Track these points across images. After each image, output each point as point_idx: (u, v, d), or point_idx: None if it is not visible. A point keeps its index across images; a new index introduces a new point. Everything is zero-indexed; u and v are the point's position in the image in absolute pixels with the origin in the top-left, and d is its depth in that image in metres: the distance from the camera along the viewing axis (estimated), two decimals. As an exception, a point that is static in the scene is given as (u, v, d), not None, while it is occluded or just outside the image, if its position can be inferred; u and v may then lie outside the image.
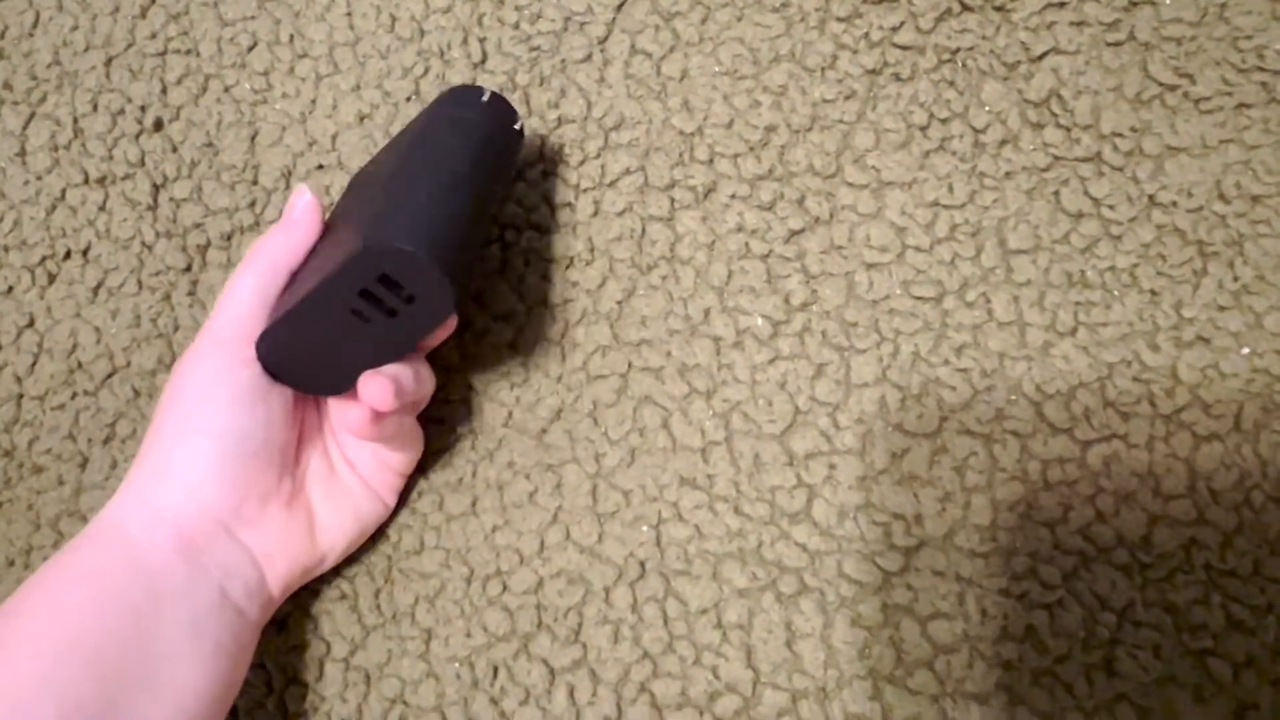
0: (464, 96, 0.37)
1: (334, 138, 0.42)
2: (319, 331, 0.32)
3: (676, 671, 0.35)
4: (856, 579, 0.35)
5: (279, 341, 0.33)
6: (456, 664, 0.36)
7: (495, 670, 0.35)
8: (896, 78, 0.40)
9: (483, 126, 0.35)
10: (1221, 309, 0.36)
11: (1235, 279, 0.36)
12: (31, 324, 0.41)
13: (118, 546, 0.31)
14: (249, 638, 0.33)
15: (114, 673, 0.28)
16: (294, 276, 0.34)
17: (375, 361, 0.33)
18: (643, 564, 0.36)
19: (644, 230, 0.39)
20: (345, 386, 0.34)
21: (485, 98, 0.36)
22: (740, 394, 0.37)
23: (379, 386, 0.32)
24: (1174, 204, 0.37)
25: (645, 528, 0.36)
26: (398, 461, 0.36)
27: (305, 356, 0.33)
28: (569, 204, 0.40)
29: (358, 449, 0.36)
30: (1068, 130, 0.38)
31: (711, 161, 0.40)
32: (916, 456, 0.36)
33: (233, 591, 0.32)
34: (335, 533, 0.35)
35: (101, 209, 0.41)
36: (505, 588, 0.36)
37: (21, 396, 0.40)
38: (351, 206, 0.35)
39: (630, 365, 0.38)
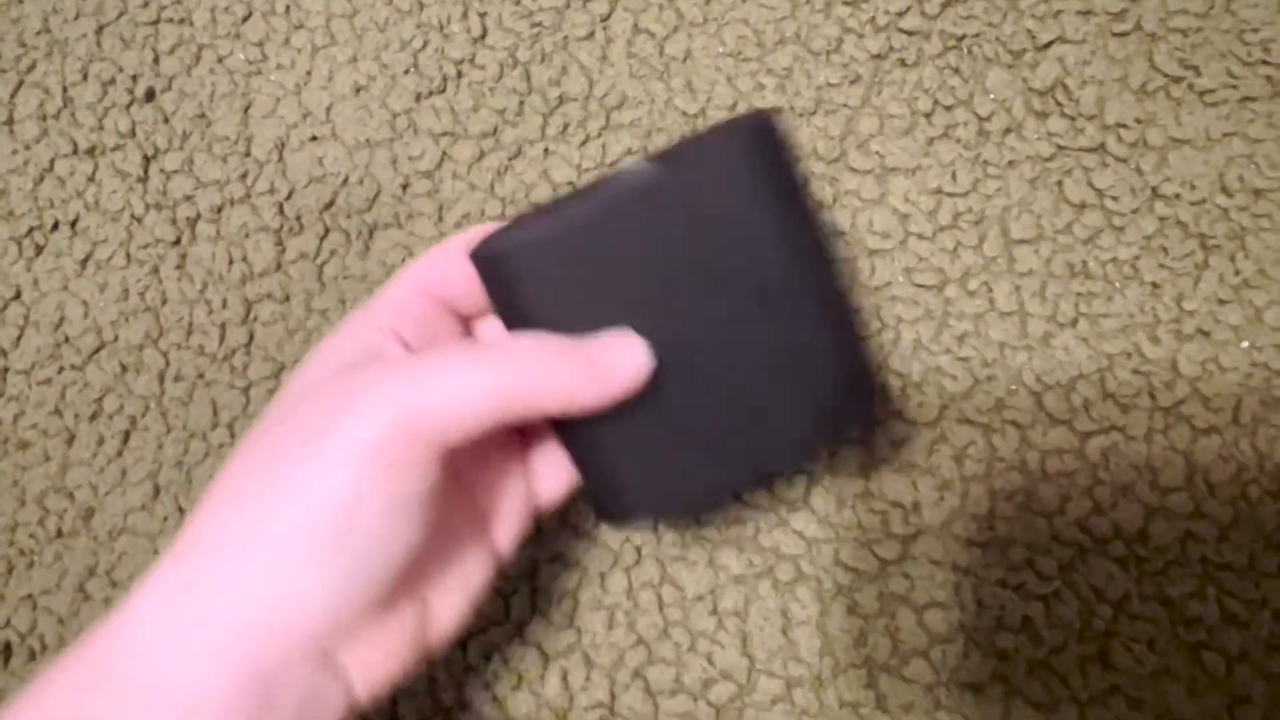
0: (772, 134, 0.26)
1: (329, 109, 0.41)
2: None
3: (671, 658, 0.35)
4: (853, 567, 0.35)
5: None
6: (449, 648, 0.35)
7: (488, 655, 0.35)
8: (902, 63, 0.39)
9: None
10: (1222, 302, 0.36)
11: (1236, 273, 0.36)
12: (18, 296, 0.40)
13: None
14: None
15: None
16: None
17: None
18: (639, 549, 0.36)
19: (644, 212, 0.39)
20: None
21: (784, 127, 0.27)
22: (739, 379, 0.37)
23: None
24: (1177, 196, 0.37)
25: (641, 513, 0.36)
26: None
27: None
28: (570, 184, 0.39)
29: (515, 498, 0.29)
30: (1072, 120, 0.38)
31: (714, 144, 0.39)
32: (916, 445, 0.36)
33: None
34: (446, 619, 0.26)
35: (90, 180, 0.41)
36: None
37: (7, 370, 0.39)
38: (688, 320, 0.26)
39: (628, 349, 0.38)
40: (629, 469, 0.26)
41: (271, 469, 0.23)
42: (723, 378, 0.26)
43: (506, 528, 0.28)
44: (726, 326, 0.26)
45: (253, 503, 0.23)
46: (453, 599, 0.27)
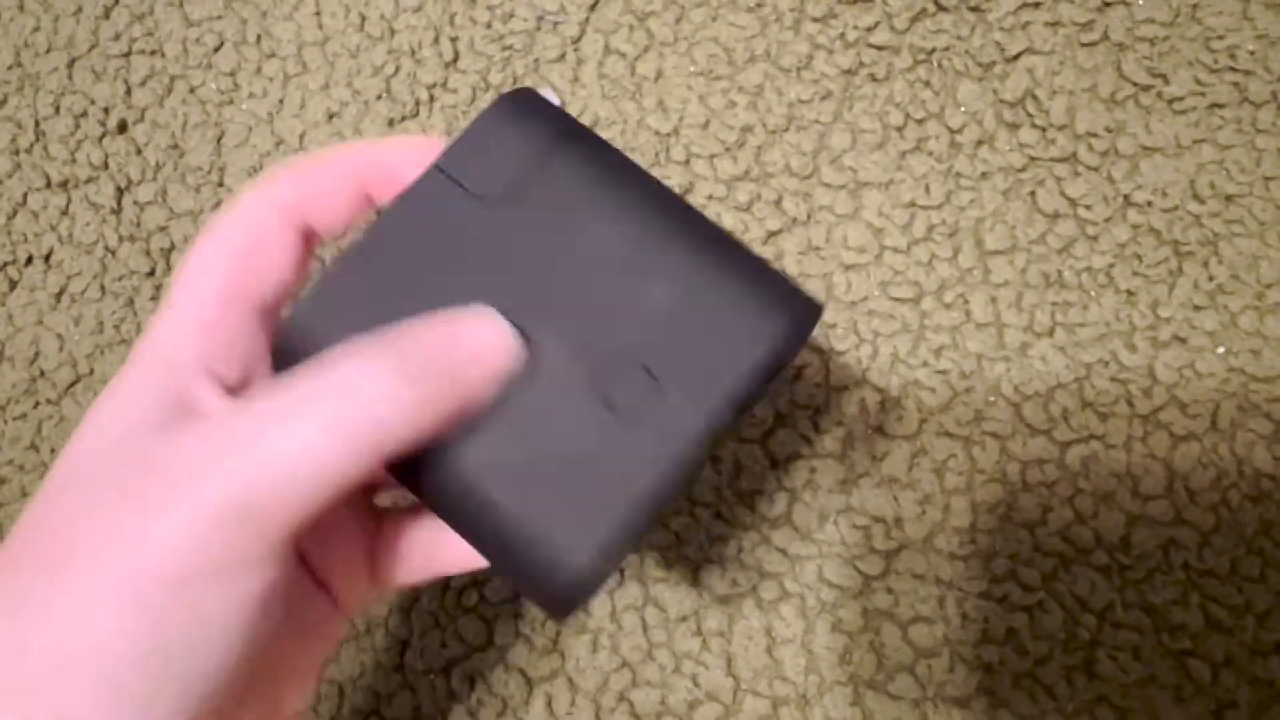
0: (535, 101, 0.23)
1: (301, 136, 0.41)
2: None
3: (656, 680, 0.34)
4: (837, 584, 0.35)
5: None
6: (432, 675, 0.35)
7: (472, 681, 0.35)
8: (872, 78, 0.39)
9: None
10: (1197, 308, 0.36)
11: (1210, 278, 0.36)
12: (-9, 331, 0.40)
13: None
14: None
15: None
16: None
17: None
18: (621, 571, 0.36)
19: (620, 232, 0.39)
20: None
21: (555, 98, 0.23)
22: (718, 397, 0.37)
23: None
24: (1149, 204, 0.37)
25: (623, 534, 0.36)
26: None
27: None
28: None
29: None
30: (1043, 130, 0.38)
31: (688, 162, 0.39)
32: (896, 459, 0.36)
33: None
34: (294, 700, 0.22)
35: (64, 213, 0.40)
36: (481, 597, 0.36)
37: (-19, 406, 0.39)
38: None
39: (607, 369, 0.38)
40: (537, 522, 0.19)
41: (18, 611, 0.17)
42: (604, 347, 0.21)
43: (351, 585, 0.23)
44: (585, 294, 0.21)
45: None
46: (299, 681, 0.22)
